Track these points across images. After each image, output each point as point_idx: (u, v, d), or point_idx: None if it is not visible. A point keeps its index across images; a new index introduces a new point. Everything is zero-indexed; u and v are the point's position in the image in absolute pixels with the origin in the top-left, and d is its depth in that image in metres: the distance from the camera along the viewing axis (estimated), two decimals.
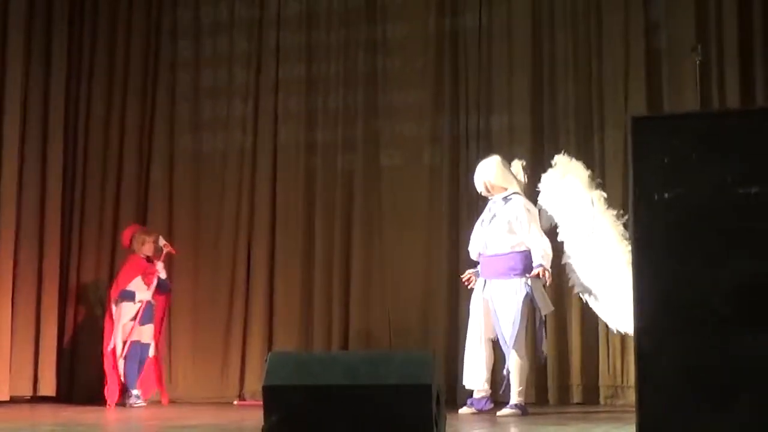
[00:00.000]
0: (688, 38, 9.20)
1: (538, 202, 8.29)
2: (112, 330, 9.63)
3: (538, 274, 8.00)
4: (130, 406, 9.35)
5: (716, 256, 4.00)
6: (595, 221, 8.14)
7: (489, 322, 8.13)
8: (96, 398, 10.17)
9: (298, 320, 10.27)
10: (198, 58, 10.91)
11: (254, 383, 9.84)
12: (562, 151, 8.51)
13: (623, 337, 9.04)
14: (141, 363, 9.66)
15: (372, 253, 10.11)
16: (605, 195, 8.21)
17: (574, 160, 8.36)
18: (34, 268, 10.40)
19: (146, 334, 9.71)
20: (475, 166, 8.76)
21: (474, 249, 8.35)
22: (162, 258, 9.84)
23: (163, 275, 9.80)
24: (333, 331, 10.09)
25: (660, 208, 4.12)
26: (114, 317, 9.64)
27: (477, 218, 8.54)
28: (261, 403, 4.75)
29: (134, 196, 10.78)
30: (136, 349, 9.61)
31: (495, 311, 8.07)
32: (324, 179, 10.42)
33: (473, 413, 8.08)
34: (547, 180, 8.30)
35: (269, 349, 9.65)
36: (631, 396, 8.40)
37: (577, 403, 9.20)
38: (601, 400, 9.18)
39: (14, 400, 10.02)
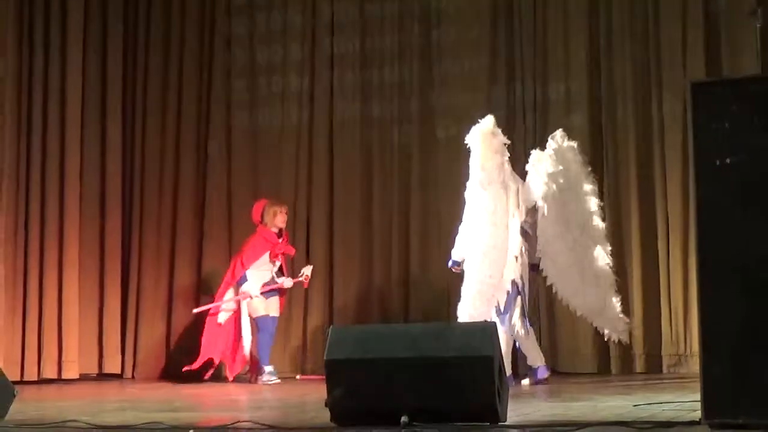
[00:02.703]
0: (747, 1, 9.06)
1: (526, 179, 8.27)
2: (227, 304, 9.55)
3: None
4: (263, 383, 9.22)
5: None
6: (578, 212, 8.22)
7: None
8: (159, 375, 10.30)
9: (358, 295, 10.29)
10: (252, 34, 10.92)
11: (316, 358, 9.88)
12: (559, 132, 8.42)
13: (686, 305, 8.98)
14: (270, 337, 9.52)
15: (430, 227, 10.09)
16: (594, 185, 8.34)
17: (568, 141, 8.31)
18: (96, 246, 10.52)
19: (272, 307, 9.57)
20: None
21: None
22: (294, 280, 9.65)
23: (286, 284, 9.63)
24: (392, 306, 10.10)
25: (722, 173, 4.09)
26: (238, 292, 9.55)
27: None
28: (323, 377, 4.76)
29: (192, 172, 10.83)
30: (266, 322, 9.49)
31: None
32: (380, 152, 10.41)
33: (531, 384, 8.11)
34: (536, 158, 8.27)
35: (329, 324, 9.67)
36: (695, 364, 8.34)
37: (640, 373, 9.14)
38: (664, 369, 9.12)
39: (82, 378, 10.15)
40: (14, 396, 5.38)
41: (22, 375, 9.39)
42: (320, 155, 10.57)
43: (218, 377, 9.65)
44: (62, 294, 10.03)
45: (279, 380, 9.31)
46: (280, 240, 9.65)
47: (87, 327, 10.34)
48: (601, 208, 8.44)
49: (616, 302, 8.26)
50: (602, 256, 8.24)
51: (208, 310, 9.72)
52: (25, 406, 5.96)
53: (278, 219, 9.61)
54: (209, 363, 9.54)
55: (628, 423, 4.26)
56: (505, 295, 8.07)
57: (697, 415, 4.13)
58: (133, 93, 10.99)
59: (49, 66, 10.15)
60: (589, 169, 8.46)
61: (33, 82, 10.06)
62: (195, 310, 9.99)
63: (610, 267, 8.30)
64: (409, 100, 10.35)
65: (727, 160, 4.08)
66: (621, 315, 8.32)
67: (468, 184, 8.33)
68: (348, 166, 10.48)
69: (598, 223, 8.30)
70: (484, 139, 8.20)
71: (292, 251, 9.83)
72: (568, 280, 8.21)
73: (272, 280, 9.57)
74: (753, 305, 4.00)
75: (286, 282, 9.58)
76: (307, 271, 9.68)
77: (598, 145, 9.66)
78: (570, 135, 9.67)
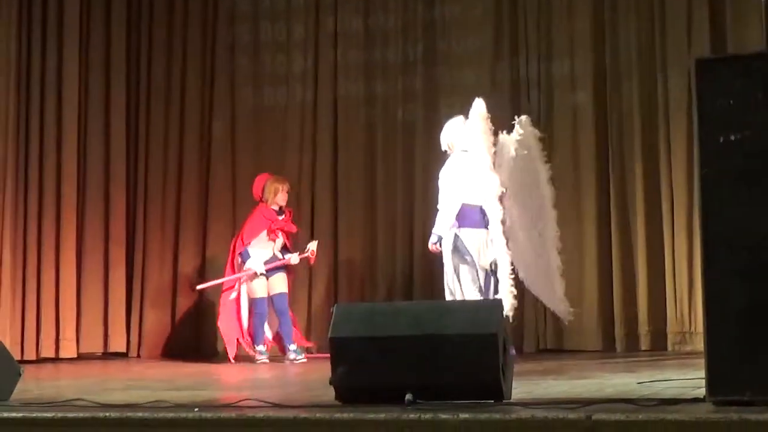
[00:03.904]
0: None
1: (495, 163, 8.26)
2: (233, 282, 9.45)
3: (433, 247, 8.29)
4: (259, 362, 9.16)
5: None
6: (534, 197, 8.27)
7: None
8: (164, 353, 10.32)
9: (362, 273, 10.30)
10: (256, 12, 10.87)
11: (319, 336, 9.88)
12: (523, 116, 8.38)
13: (691, 283, 8.98)
14: (282, 314, 9.37)
15: (434, 204, 10.05)
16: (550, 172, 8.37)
17: (531, 127, 8.34)
18: (101, 225, 10.51)
19: (279, 284, 9.44)
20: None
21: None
22: (300, 256, 9.51)
23: (293, 260, 9.49)
24: (396, 284, 10.11)
25: (726, 150, 4.07)
26: (237, 270, 9.47)
27: None
28: (327, 355, 4.77)
29: (197, 151, 10.82)
30: (262, 304, 9.37)
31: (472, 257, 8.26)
32: (384, 131, 10.40)
33: None
34: (502, 142, 8.27)
35: (334, 302, 9.68)
36: (700, 342, 8.33)
37: (645, 351, 9.15)
38: (669, 347, 9.12)
39: (84, 357, 10.18)
40: (20, 375, 5.39)
41: (22, 354, 9.40)
42: (324, 134, 10.56)
43: (225, 357, 9.64)
44: (59, 274, 10.04)
45: (267, 360, 9.23)
46: (281, 218, 9.53)
47: (92, 306, 10.35)
48: (553, 195, 8.45)
49: (559, 286, 8.31)
50: (552, 243, 8.28)
51: (211, 287, 9.71)
52: (29, 385, 5.97)
53: (279, 197, 9.47)
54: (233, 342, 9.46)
55: (632, 400, 4.27)
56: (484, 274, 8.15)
57: (702, 392, 4.13)
58: (137, 73, 10.94)
59: (47, 42, 10.12)
60: (546, 158, 8.46)
61: (32, 60, 10.04)
62: (198, 287, 9.99)
63: (558, 253, 8.34)
64: (413, 78, 10.33)
65: (732, 137, 4.07)
66: (564, 298, 8.38)
67: (458, 165, 8.27)
68: (352, 144, 10.47)
69: (550, 209, 8.33)
70: (484, 122, 8.21)
71: (292, 229, 9.67)
72: (524, 262, 8.24)
73: (274, 257, 9.47)
74: (757, 283, 4.00)
75: (293, 258, 9.46)
76: (312, 246, 9.58)
77: (602, 122, 9.65)
78: (574, 112, 9.70)
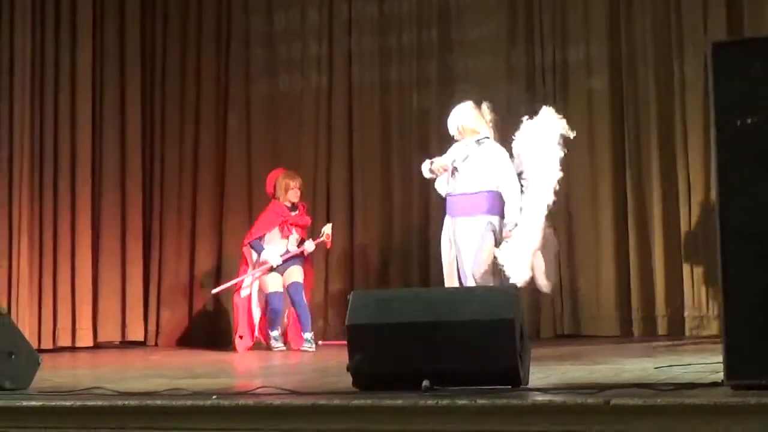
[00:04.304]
0: None
1: (512, 147, 8.24)
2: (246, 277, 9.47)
3: (508, 234, 8.07)
4: (273, 349, 9.17)
5: None
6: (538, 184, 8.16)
7: (456, 260, 8.17)
8: (182, 342, 10.35)
9: (378, 260, 10.30)
10: (270, 0, 10.89)
11: (336, 323, 9.90)
12: (549, 104, 8.45)
13: (708, 268, 8.96)
14: (298, 306, 9.27)
15: None
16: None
17: (558, 118, 8.28)
18: (117, 215, 10.55)
19: (294, 274, 9.36)
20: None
21: (443, 189, 8.35)
22: (316, 241, 9.47)
23: (308, 247, 9.43)
24: (413, 270, 10.10)
25: (742, 134, 4.06)
26: (249, 264, 9.48)
27: None
28: (344, 342, 4.77)
29: (213, 141, 10.84)
30: (276, 300, 9.30)
31: (459, 248, 8.12)
32: (399, 117, 10.40)
33: None
34: (525, 128, 8.24)
35: (350, 289, 9.69)
36: (717, 326, 8.34)
37: (663, 335, 9.14)
38: (687, 332, 9.11)
39: (102, 346, 10.21)
40: (39, 364, 5.42)
41: (39, 343, 9.44)
42: (339, 121, 10.57)
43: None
44: (75, 263, 10.09)
45: (284, 347, 9.24)
46: (294, 214, 9.50)
47: (109, 295, 10.39)
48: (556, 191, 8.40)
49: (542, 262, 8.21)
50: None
51: (227, 288, 9.71)
52: (48, 373, 5.99)
53: (290, 194, 9.44)
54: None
55: (650, 385, 4.26)
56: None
57: (719, 376, 4.12)
58: (151, 64, 10.97)
59: (61, 35, 10.16)
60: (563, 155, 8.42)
61: (45, 52, 10.07)
62: (213, 291, 9.98)
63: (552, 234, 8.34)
64: (428, 65, 10.33)
65: (748, 121, 4.05)
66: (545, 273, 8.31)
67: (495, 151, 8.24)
68: (367, 131, 10.48)
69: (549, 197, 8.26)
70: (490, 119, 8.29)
71: (307, 222, 9.62)
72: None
73: (287, 253, 9.40)
74: None
75: (307, 245, 9.42)
76: (327, 229, 9.55)
77: (619, 107, 9.63)
78: (590, 97, 9.68)
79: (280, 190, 9.47)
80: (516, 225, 8.01)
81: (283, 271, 9.36)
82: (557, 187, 8.07)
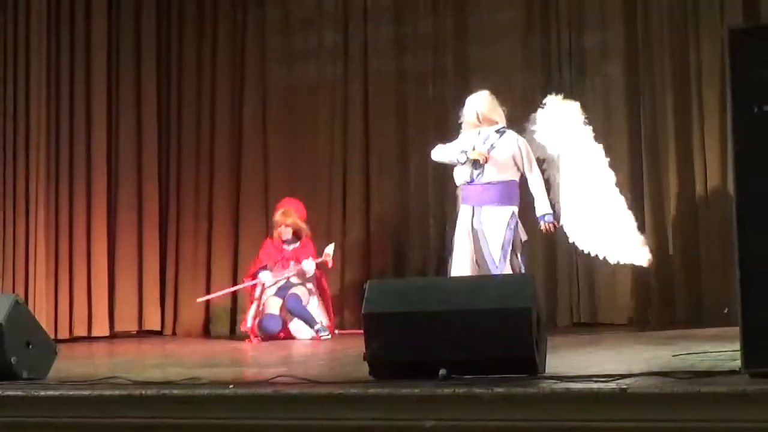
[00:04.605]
0: None
1: (533, 138, 8.31)
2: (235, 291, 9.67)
3: (551, 226, 8.16)
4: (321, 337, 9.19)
5: None
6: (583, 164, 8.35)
7: (478, 248, 8.11)
8: (199, 332, 10.37)
9: (394, 250, 10.30)
10: None
11: (352, 312, 9.90)
12: (554, 93, 8.60)
13: (725, 255, 8.92)
14: (297, 314, 9.39)
15: None
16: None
17: (567, 101, 8.41)
18: (134, 203, 10.57)
19: (301, 294, 9.46)
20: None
21: (462, 177, 8.29)
22: (316, 261, 9.46)
23: (306, 266, 9.43)
24: (429, 260, 10.09)
25: (759, 120, 4.04)
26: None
27: None
28: (361, 331, 4.77)
29: (228, 130, 10.83)
30: (272, 321, 9.35)
31: (485, 237, 8.08)
32: (416, 106, 10.37)
33: None
34: (539, 119, 8.38)
35: (366, 278, 9.68)
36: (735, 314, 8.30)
37: (681, 323, 9.11)
38: (704, 319, 9.07)
39: (118, 336, 10.24)
40: (56, 354, 5.43)
41: (55, 333, 9.47)
42: (355, 110, 10.54)
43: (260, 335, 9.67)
44: (91, 251, 10.13)
45: (329, 335, 9.26)
46: (292, 247, 9.54)
47: (126, 284, 10.41)
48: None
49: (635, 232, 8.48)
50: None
51: (214, 298, 9.91)
52: (65, 363, 6.00)
53: (282, 232, 9.57)
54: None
55: (667, 373, 4.25)
56: None
57: (737, 364, 4.11)
58: (167, 57, 10.96)
59: (76, 28, 10.18)
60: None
61: (61, 40, 10.09)
62: (199, 300, 10.07)
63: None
64: (444, 53, 10.30)
65: (765, 108, 4.03)
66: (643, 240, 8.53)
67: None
68: (383, 120, 10.45)
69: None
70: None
71: (307, 254, 9.51)
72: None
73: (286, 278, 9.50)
74: None
75: (305, 265, 9.42)
76: (329, 249, 9.58)
77: (635, 94, 9.60)
78: (606, 84, 9.65)
79: (273, 227, 9.61)
80: (552, 220, 8.15)
81: (284, 295, 9.45)
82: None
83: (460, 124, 8.48)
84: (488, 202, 8.14)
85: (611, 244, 8.42)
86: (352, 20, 10.62)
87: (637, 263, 8.60)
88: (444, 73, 10.28)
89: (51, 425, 4.51)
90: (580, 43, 9.83)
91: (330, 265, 9.64)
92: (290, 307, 9.40)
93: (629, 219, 8.51)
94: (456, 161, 8.29)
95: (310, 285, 9.54)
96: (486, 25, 10.17)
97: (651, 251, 8.62)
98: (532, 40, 10.00)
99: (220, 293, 9.81)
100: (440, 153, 8.45)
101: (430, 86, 10.33)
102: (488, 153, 8.12)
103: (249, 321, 9.32)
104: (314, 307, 9.50)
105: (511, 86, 9.85)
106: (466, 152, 8.19)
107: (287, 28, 10.82)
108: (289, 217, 9.60)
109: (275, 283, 9.47)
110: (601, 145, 8.49)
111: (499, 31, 10.11)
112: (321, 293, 9.62)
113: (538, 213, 8.17)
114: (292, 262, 9.53)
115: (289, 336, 9.39)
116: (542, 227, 8.20)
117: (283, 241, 9.58)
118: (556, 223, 8.22)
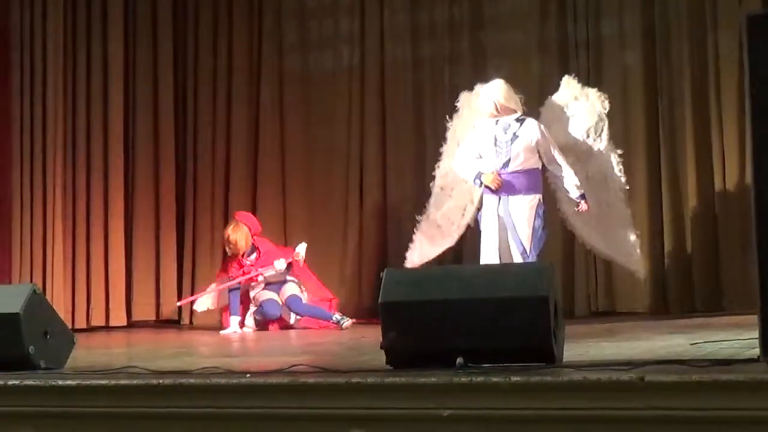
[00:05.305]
0: None
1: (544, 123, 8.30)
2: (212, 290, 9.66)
3: (580, 206, 8.16)
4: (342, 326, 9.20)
5: None
6: (595, 150, 8.36)
7: (504, 237, 8.09)
8: (217, 321, 10.38)
9: (411, 238, 10.26)
10: None
11: (369, 299, 9.89)
12: (572, 74, 8.59)
13: (744, 242, 8.88)
14: (305, 313, 9.45)
15: None
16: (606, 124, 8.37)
17: (582, 86, 8.44)
18: (151, 193, 10.60)
19: (288, 289, 9.49)
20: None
21: (492, 166, 8.24)
22: (287, 260, 9.44)
23: (278, 265, 9.42)
24: (446, 253, 10.06)
25: None
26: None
27: None
28: (378, 320, 4.76)
29: (245, 119, 10.85)
30: (270, 306, 9.44)
31: (514, 226, 8.06)
32: (432, 93, 10.36)
33: None
34: (553, 102, 8.40)
35: (383, 266, 9.67)
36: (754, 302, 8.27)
37: (699, 311, 9.08)
38: (723, 307, 9.05)
39: (135, 325, 10.27)
40: (73, 344, 5.44)
41: (73, 323, 9.51)
42: (372, 97, 10.55)
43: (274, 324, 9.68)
44: (108, 241, 10.20)
45: (350, 323, 9.23)
46: (250, 259, 9.50)
47: (144, 274, 10.45)
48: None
49: (633, 235, 8.46)
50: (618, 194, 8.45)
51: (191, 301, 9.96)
52: (82, 353, 6.01)
53: (229, 248, 9.50)
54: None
55: (685, 361, 4.23)
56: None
57: (756, 352, 4.09)
58: (184, 41, 11.00)
59: (92, 8, 10.21)
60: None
61: (78, 23, 10.11)
62: (178, 303, 10.18)
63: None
64: (460, 40, 10.28)
65: None
66: (636, 245, 8.50)
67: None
68: (400, 107, 10.45)
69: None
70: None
71: (270, 260, 9.45)
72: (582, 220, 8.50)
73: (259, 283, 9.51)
74: None
75: (277, 264, 9.39)
76: (299, 249, 9.54)
77: (652, 82, 9.56)
78: (624, 71, 9.61)
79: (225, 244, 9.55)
80: (584, 197, 8.16)
81: (278, 290, 9.46)
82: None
83: (456, 111, 8.46)
84: (515, 191, 8.12)
85: (608, 243, 8.45)
86: (369, 7, 10.61)
87: (633, 269, 8.60)
88: (460, 60, 10.27)
89: (68, 414, 4.52)
90: (597, 30, 9.79)
91: (301, 264, 9.58)
92: (296, 310, 9.43)
93: (628, 219, 8.49)
94: (473, 183, 8.30)
95: (292, 278, 9.53)
96: (502, 11, 10.15)
97: (646, 257, 8.71)
98: (548, 26, 9.97)
99: (198, 296, 9.83)
100: (461, 167, 8.41)
101: (446, 73, 10.30)
102: (501, 178, 8.07)
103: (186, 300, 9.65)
104: (309, 294, 9.56)
105: (528, 73, 9.82)
106: (480, 178, 8.15)
107: (303, 15, 10.82)
108: (227, 229, 9.54)
109: (261, 283, 9.49)
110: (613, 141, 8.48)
111: (515, 18, 10.09)
112: (306, 278, 9.61)
113: (574, 195, 8.14)
114: (266, 268, 9.47)
115: (287, 326, 9.45)
116: (580, 208, 8.17)
117: (242, 255, 9.49)
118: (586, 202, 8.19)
